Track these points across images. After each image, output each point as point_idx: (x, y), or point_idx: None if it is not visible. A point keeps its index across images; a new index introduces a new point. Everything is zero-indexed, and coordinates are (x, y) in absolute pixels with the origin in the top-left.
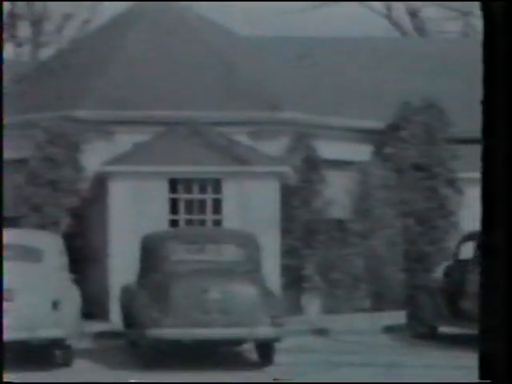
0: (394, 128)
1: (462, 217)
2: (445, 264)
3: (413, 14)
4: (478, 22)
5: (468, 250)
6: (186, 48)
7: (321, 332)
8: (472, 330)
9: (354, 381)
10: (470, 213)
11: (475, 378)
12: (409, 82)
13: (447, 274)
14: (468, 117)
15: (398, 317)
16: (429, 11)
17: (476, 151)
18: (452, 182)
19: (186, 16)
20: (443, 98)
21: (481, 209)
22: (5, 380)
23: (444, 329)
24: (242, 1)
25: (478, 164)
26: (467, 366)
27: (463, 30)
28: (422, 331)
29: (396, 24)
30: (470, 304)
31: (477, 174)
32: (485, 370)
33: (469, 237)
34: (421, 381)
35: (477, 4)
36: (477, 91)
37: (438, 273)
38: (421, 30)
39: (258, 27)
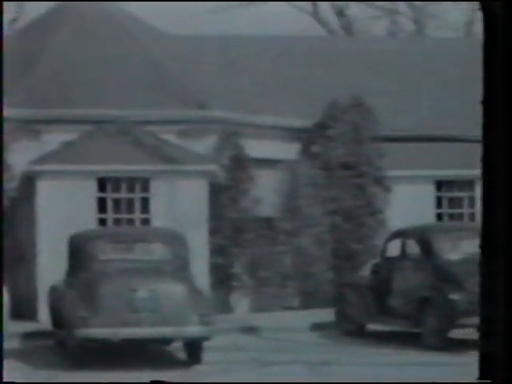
0: (321, 126)
1: (389, 215)
2: (372, 262)
3: (339, 13)
4: (403, 21)
5: (395, 248)
6: (112, 46)
7: (250, 330)
8: (399, 327)
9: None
10: (397, 210)
11: (405, 374)
12: (336, 81)
13: (375, 271)
14: (395, 115)
15: (327, 314)
16: (355, 10)
17: (403, 149)
18: (379, 180)
19: (113, 14)
20: (371, 96)
21: (481, 208)
22: (5, 380)
23: (372, 326)
24: (171, 1)
25: (406, 162)
26: (395, 363)
27: (389, 29)
28: (350, 329)
29: (323, 23)
30: (397, 301)
31: (404, 172)
32: (485, 368)
33: (396, 234)
34: (349, 379)
35: (402, 3)
36: (404, 89)
37: (366, 270)
38: (347, 28)
39: (187, 26)
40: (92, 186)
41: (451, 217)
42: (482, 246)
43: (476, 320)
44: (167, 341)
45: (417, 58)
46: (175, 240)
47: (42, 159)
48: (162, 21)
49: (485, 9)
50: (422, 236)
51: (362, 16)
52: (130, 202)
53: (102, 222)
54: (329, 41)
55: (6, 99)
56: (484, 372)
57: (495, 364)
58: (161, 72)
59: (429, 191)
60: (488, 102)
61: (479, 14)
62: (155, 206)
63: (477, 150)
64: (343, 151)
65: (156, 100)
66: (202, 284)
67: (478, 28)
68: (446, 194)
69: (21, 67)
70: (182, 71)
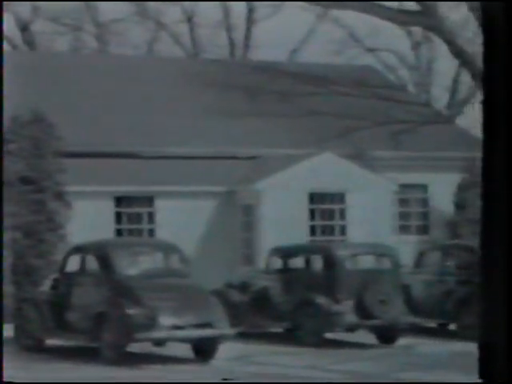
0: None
1: (70, 230)
2: (52, 277)
3: (23, 28)
4: (87, 37)
5: (75, 263)
6: None
7: None
8: (78, 342)
9: None
10: (77, 226)
11: None
12: (18, 96)
13: (54, 286)
14: (75, 130)
15: (7, 330)
16: (38, 25)
17: (83, 164)
18: (60, 196)
19: None
20: (52, 111)
21: (481, 209)
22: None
23: (52, 341)
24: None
25: (86, 177)
26: (75, 378)
27: (73, 45)
28: (29, 344)
29: (6, 37)
30: (75, 316)
31: (84, 188)
32: (485, 366)
33: (75, 249)
34: None
35: (88, 20)
36: (86, 104)
37: (46, 286)
38: (31, 43)
39: None
40: None
41: (130, 232)
42: (482, 245)
43: (152, 334)
44: None
45: (100, 74)
46: None
47: None
48: None
49: (485, 9)
50: (101, 251)
51: (46, 31)
52: None
53: None
54: (11, 55)
55: None
56: (484, 371)
57: (495, 362)
58: None
59: (108, 207)
60: (488, 102)
61: (161, 34)
62: None
63: (155, 166)
64: (23, 166)
65: None
66: None
67: (160, 46)
68: (125, 210)
69: None
70: None
